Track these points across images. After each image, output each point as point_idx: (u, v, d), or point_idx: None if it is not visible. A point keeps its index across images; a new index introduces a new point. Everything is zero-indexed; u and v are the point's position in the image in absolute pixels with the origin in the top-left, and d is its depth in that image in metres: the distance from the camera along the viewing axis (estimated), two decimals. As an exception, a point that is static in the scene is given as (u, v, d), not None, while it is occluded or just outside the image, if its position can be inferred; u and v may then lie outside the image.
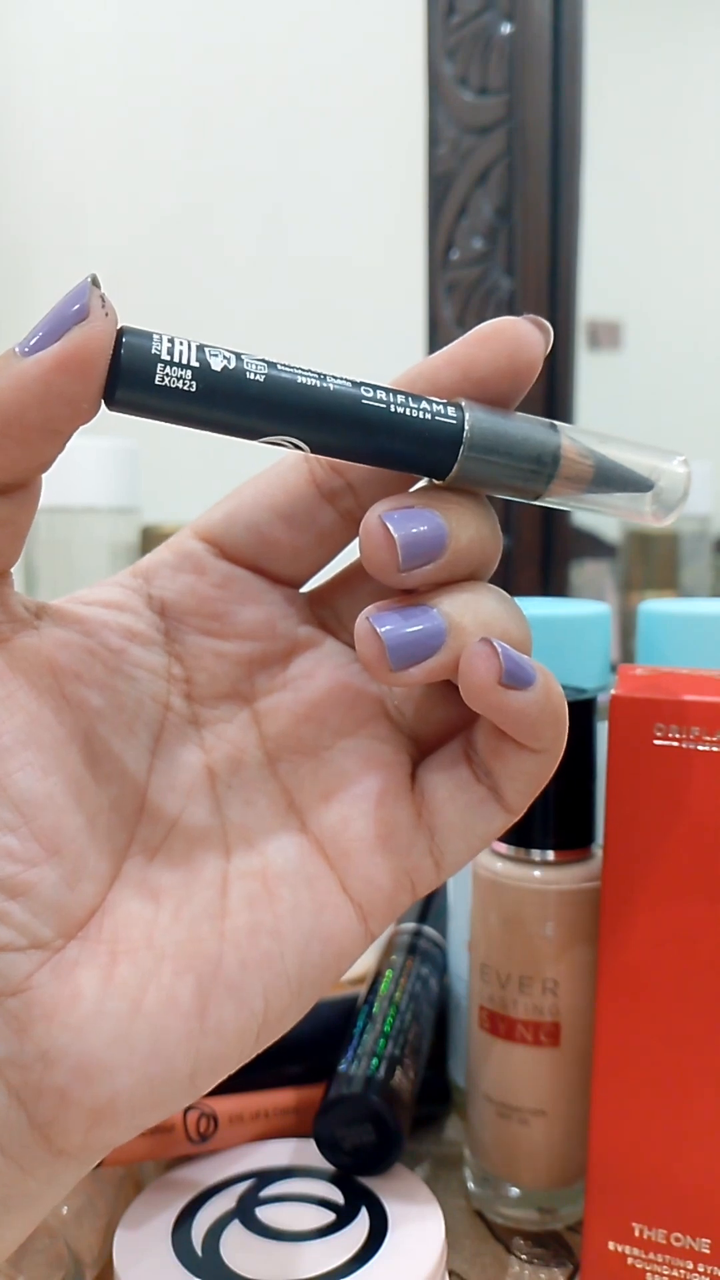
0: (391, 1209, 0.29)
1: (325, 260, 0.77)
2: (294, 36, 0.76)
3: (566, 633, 0.38)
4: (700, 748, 0.27)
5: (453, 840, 0.22)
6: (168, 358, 0.18)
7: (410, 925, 0.40)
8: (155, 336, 0.18)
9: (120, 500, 0.62)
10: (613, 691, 0.28)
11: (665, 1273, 0.28)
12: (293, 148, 0.77)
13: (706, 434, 0.70)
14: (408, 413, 0.19)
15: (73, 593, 0.22)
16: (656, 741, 0.27)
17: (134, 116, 0.80)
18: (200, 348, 0.18)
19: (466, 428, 0.20)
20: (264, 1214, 0.29)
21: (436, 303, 0.62)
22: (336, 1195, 0.29)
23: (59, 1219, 0.28)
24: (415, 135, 0.62)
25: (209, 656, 0.22)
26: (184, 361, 0.18)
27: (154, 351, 0.18)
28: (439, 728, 0.23)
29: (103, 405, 0.18)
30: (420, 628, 0.19)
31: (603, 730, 0.29)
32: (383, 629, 0.19)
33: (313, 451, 0.20)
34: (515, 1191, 0.33)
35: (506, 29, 0.58)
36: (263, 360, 0.19)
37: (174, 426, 0.19)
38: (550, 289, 0.61)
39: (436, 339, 0.63)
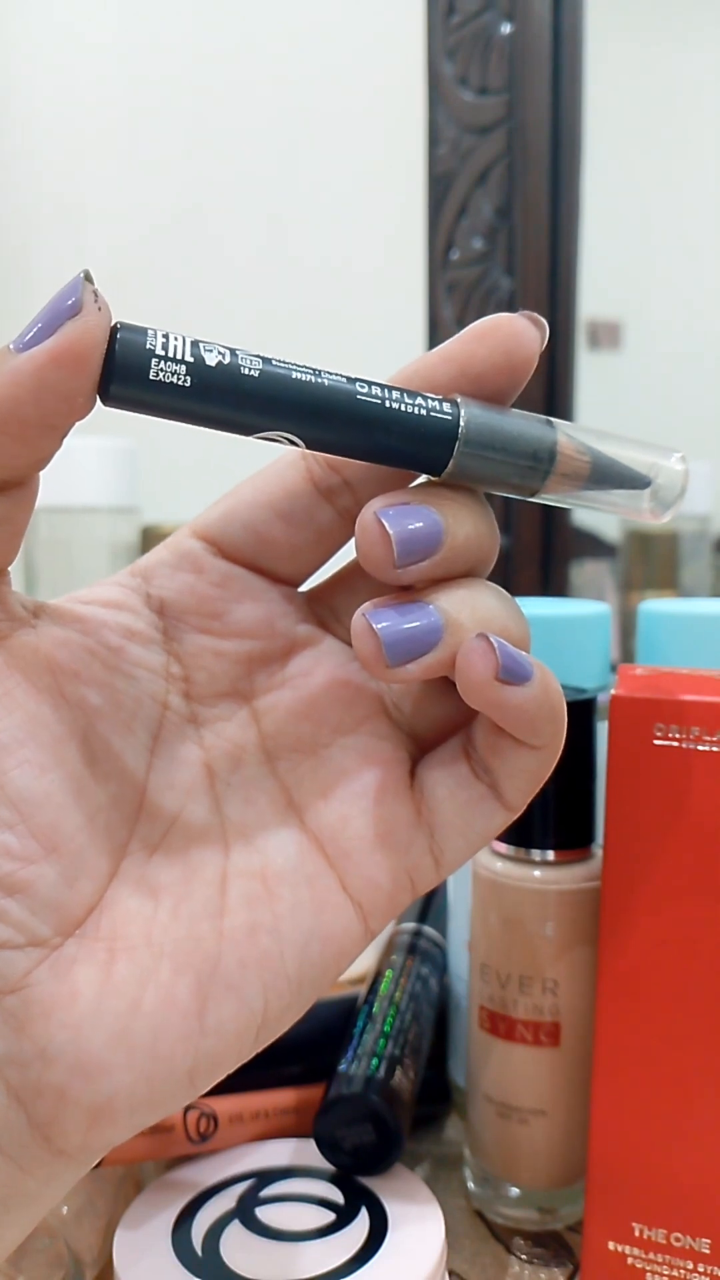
0: (391, 1209, 0.29)
1: (325, 260, 0.77)
2: (294, 37, 0.76)
3: (566, 632, 0.38)
4: (700, 748, 0.27)
5: (452, 838, 0.22)
6: (162, 353, 0.18)
7: (410, 925, 0.40)
8: (150, 332, 0.18)
9: (120, 500, 0.62)
10: (613, 691, 0.28)
11: (665, 1273, 0.28)
12: (293, 148, 0.77)
13: (706, 434, 0.71)
14: (403, 408, 0.19)
15: (72, 592, 0.22)
16: (656, 741, 0.27)
17: (134, 117, 0.80)
18: (195, 343, 0.18)
19: (462, 423, 0.20)
20: (264, 1214, 0.29)
21: (436, 303, 0.62)
22: (336, 1195, 0.29)
23: (59, 1219, 0.28)
24: (415, 135, 0.62)
25: (208, 655, 0.22)
26: (179, 356, 0.18)
27: (149, 346, 0.18)
28: (438, 725, 0.23)
29: (98, 401, 0.18)
30: (417, 624, 0.19)
31: (603, 730, 0.29)
32: (379, 625, 0.19)
33: (308, 447, 0.19)
34: (515, 1191, 0.33)
35: (506, 29, 0.58)
36: (257, 356, 0.19)
37: (172, 425, 0.19)
38: (550, 289, 0.61)
39: (436, 339, 0.62)
